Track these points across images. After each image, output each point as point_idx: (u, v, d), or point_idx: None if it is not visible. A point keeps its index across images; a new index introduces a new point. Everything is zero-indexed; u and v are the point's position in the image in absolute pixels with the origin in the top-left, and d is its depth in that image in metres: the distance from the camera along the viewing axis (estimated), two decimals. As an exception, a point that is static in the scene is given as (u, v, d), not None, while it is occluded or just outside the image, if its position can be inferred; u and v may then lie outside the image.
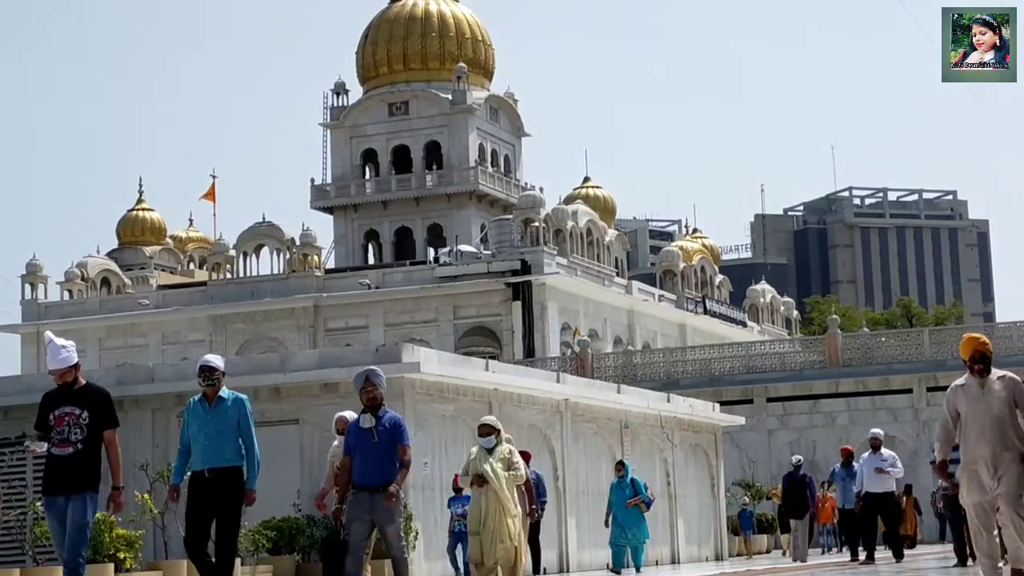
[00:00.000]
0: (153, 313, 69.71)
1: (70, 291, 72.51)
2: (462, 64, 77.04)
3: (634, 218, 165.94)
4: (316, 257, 68.45)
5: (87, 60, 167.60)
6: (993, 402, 10.42)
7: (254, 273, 69.08)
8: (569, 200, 74.47)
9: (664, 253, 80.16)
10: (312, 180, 79.61)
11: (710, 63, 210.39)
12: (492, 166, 79.04)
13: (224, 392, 11.33)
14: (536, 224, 64.86)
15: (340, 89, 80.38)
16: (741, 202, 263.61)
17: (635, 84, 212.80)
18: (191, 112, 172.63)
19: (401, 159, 78.66)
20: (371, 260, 78.32)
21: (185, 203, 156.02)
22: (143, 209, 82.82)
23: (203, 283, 71.67)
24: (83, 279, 72.69)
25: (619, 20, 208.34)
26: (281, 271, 68.24)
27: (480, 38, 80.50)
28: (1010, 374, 10.53)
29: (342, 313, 66.91)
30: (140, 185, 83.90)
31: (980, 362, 10.53)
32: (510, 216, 67.83)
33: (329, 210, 79.38)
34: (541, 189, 73.09)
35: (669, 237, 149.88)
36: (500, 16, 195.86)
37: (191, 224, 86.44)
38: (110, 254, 79.36)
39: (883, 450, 21.77)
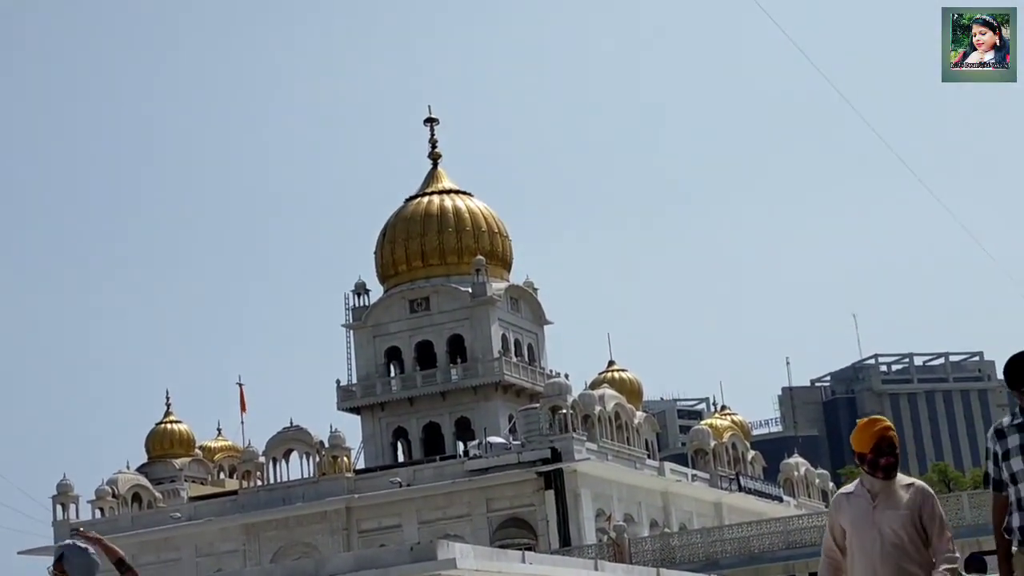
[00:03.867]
0: (185, 526, 69.29)
1: (101, 509, 72.18)
2: (480, 257, 77.69)
3: (661, 398, 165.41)
4: (346, 458, 68.24)
5: (103, 279, 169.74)
6: (886, 523, 7.59)
7: (284, 478, 68.83)
8: (595, 385, 74.37)
9: (694, 432, 79.74)
10: (338, 381, 79.74)
11: (724, 241, 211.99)
12: (516, 356, 79.14)
13: None
14: (564, 411, 64.68)
15: (361, 289, 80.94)
16: (767, 376, 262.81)
17: (653, 265, 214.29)
18: (213, 322, 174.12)
19: (425, 355, 78.84)
20: (400, 458, 78.00)
21: (212, 412, 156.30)
22: (171, 421, 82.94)
23: (234, 492, 71.38)
24: (114, 496, 72.46)
25: (633, 204, 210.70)
26: (311, 475, 67.97)
27: (496, 230, 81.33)
28: (920, 483, 7.78)
29: (375, 513, 66.43)
30: (167, 398, 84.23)
31: (890, 454, 7.66)
32: (537, 405, 67.70)
33: (356, 410, 79.34)
34: (566, 376, 72.99)
35: (698, 416, 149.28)
36: (515, 207, 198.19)
37: (219, 433, 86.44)
38: (140, 469, 79.24)
39: None
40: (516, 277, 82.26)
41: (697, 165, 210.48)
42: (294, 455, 68.96)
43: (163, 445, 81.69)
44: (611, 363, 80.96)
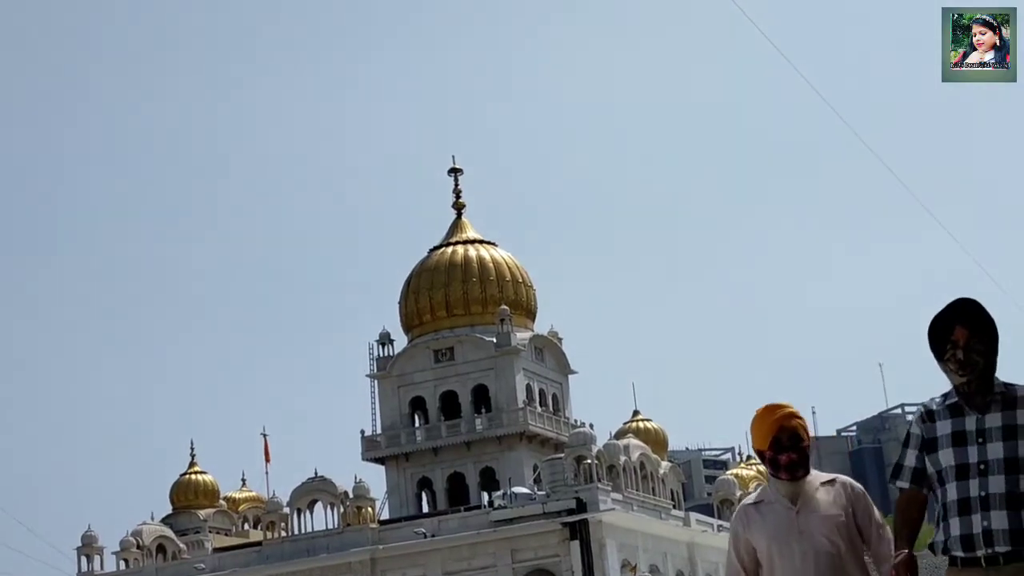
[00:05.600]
0: (209, 576, 69.13)
1: (126, 560, 72.09)
2: (504, 307, 77.73)
3: (686, 448, 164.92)
4: (370, 509, 68.08)
5: (128, 329, 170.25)
6: (816, 531, 6.35)
7: (308, 529, 68.66)
8: (620, 435, 74.17)
9: (720, 482, 79.37)
10: (362, 432, 79.72)
11: (750, 291, 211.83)
12: (540, 406, 79.02)
13: None
14: (589, 461, 64.50)
15: (385, 339, 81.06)
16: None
17: (678, 315, 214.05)
18: (238, 372, 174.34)
19: (449, 405, 78.80)
20: (425, 508, 77.82)
21: (236, 463, 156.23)
22: (196, 472, 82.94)
23: (258, 543, 71.21)
24: (138, 547, 72.36)
25: (658, 254, 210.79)
26: (336, 526, 67.80)
27: (521, 280, 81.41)
28: (844, 478, 6.59)
29: (399, 564, 66.18)
30: (192, 448, 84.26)
31: (791, 448, 6.36)
32: (562, 455, 67.50)
33: (381, 460, 79.25)
34: (591, 425, 72.77)
35: (723, 466, 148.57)
36: (539, 257, 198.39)
37: (243, 484, 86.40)
38: (164, 520, 79.20)
39: None
40: (540, 327, 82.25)
41: (722, 213, 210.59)
42: (318, 506, 68.82)
43: (187, 496, 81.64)
44: (636, 413, 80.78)
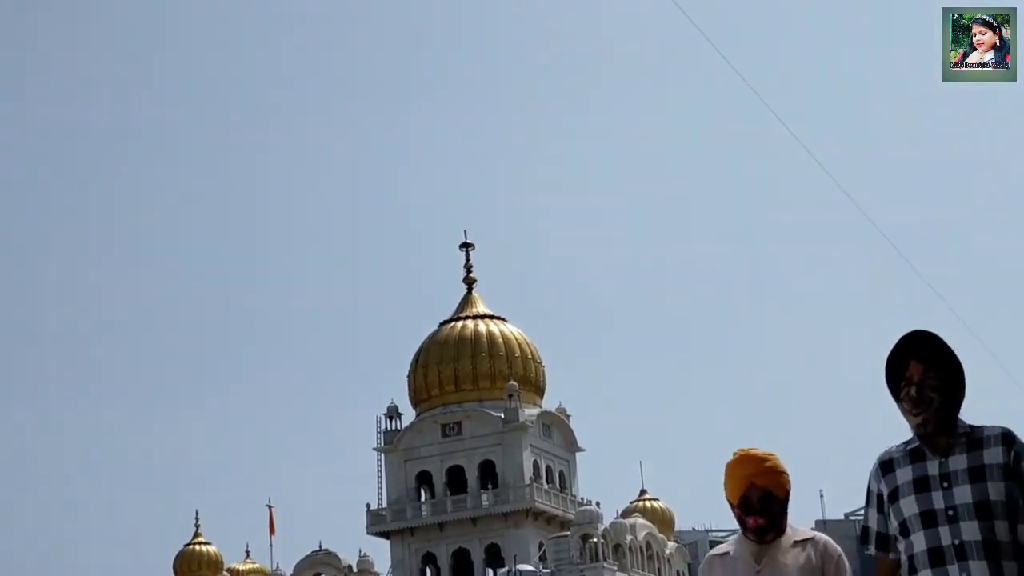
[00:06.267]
0: (211, 649, 68.75)
1: (127, 630, 71.82)
2: (513, 383, 77.68)
3: (693, 528, 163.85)
4: (374, 583, 67.80)
5: (135, 399, 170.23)
6: None
7: (312, 603, 68.34)
8: (626, 514, 73.83)
9: (726, 563, 79.05)
10: (368, 505, 79.38)
11: (759, 372, 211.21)
12: (547, 483, 78.72)
13: None
14: (594, 540, 64.27)
15: (393, 413, 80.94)
16: (801, 509, 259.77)
17: (686, 394, 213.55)
18: (244, 443, 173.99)
19: (456, 480, 78.54)
20: (429, 584, 77.37)
21: (241, 534, 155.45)
22: (200, 543, 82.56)
23: (261, 615, 70.88)
24: (140, 617, 72.12)
25: (667, 334, 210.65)
26: (339, 599, 67.48)
27: (530, 356, 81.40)
28: (822, 538, 5.89)
29: (402, 640, 65.78)
30: (196, 519, 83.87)
31: (760, 512, 5.72)
32: (568, 533, 67.26)
33: (386, 535, 78.88)
34: (598, 504, 72.49)
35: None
36: (548, 333, 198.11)
37: (248, 555, 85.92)
38: (167, 590, 78.86)
39: None
40: (549, 403, 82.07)
41: (732, 294, 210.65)
42: (322, 579, 68.55)
43: (191, 567, 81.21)
44: (643, 492, 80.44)
